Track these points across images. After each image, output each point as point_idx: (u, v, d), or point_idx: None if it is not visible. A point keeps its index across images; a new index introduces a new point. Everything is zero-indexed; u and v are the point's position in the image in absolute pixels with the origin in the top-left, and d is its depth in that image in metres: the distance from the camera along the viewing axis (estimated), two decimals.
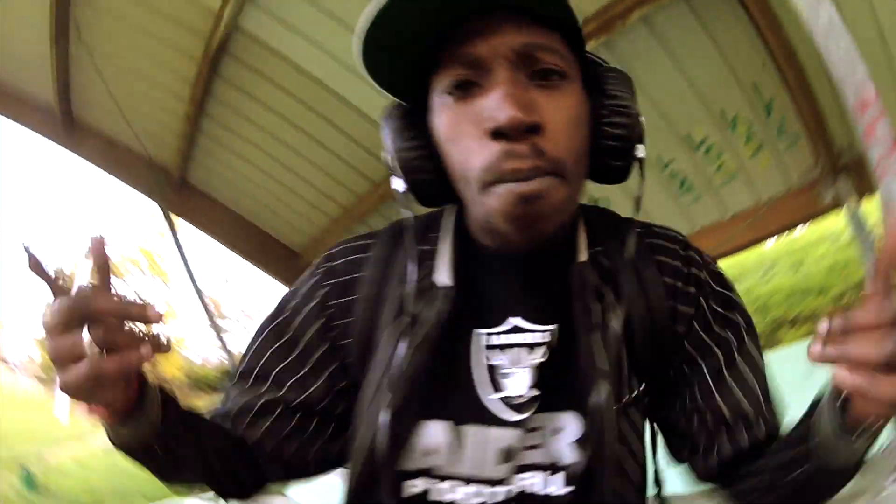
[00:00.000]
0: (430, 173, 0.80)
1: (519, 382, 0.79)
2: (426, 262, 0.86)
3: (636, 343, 0.83)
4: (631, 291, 0.84)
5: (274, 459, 0.89)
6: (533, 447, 0.79)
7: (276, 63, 4.69)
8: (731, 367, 0.85)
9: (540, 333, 0.81)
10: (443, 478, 0.79)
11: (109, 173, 6.52)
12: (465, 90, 0.74)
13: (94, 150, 6.37)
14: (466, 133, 0.74)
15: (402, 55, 0.76)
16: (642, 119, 0.81)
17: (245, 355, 0.92)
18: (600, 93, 0.81)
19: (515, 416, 0.79)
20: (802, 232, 9.33)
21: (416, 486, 0.79)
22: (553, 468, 0.79)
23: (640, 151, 0.81)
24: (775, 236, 4.71)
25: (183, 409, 0.81)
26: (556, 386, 0.80)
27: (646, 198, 3.05)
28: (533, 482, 0.78)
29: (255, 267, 6.96)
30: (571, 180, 0.76)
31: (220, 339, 7.06)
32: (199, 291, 7.34)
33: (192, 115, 5.29)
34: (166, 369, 41.90)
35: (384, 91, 0.80)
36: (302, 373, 0.88)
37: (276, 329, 0.91)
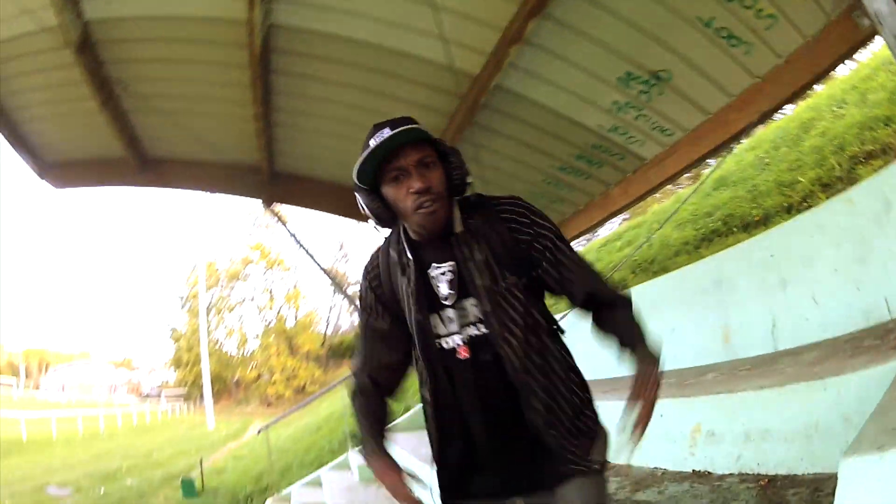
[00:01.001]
0: (387, 216, 1.75)
1: (444, 289, 1.73)
2: (401, 251, 1.78)
3: (502, 259, 1.71)
4: (490, 237, 1.73)
5: (397, 370, 1.91)
6: (464, 315, 1.72)
7: (319, 40, 4.87)
8: (558, 258, 1.75)
9: (446, 265, 1.73)
10: (445, 335, 1.74)
11: (204, 191, 6.87)
12: (398, 178, 1.66)
13: (181, 178, 6.71)
14: (402, 195, 1.67)
15: (371, 169, 1.66)
16: (466, 168, 1.75)
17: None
18: (447, 160, 1.73)
19: (449, 303, 1.73)
20: (861, 63, 9.15)
21: (440, 342, 1.74)
22: (476, 322, 1.71)
23: (469, 179, 1.75)
24: (831, 70, 4.67)
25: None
26: (462, 288, 1.71)
27: (702, 59, 4.46)
28: (472, 331, 1.72)
29: (365, 223, 7.26)
30: (444, 201, 1.70)
31: (355, 304, 7.55)
32: (320, 267, 7.78)
33: (260, 114, 5.52)
34: (308, 346, 44.54)
35: (360, 185, 1.71)
36: (381, 323, 1.88)
37: (361, 308, 1.94)
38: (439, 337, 1.73)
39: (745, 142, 8.45)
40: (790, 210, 6.74)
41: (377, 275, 1.86)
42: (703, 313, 5.22)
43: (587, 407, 1.79)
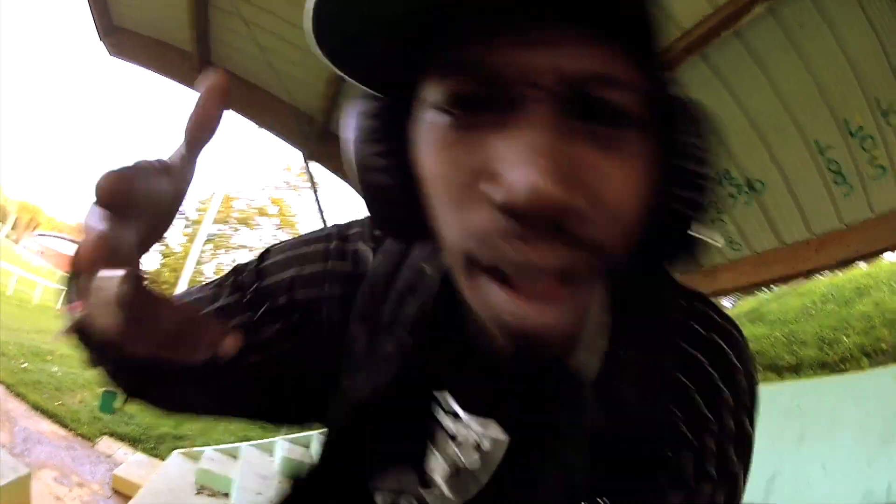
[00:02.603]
0: (400, 210, 0.57)
1: (440, 466, 0.67)
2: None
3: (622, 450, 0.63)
4: (631, 410, 0.63)
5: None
6: None
7: None
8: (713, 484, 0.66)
9: (475, 433, 0.65)
10: None
11: (251, 120, 6.64)
12: (473, 111, 0.49)
13: (235, 97, 6.39)
14: (460, 181, 0.49)
15: (372, 34, 0.50)
16: (711, 185, 0.56)
17: None
18: (669, 139, 0.53)
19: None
20: None
21: None
22: None
23: (705, 234, 0.56)
24: None
25: None
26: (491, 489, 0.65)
27: (802, 185, 3.79)
28: None
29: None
30: (607, 269, 0.51)
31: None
32: None
33: None
34: None
35: (350, 77, 0.55)
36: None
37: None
38: None
39: (794, 285, 8.30)
40: (824, 366, 6.53)
41: (344, 301, 0.74)
42: None
43: None
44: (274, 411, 0.80)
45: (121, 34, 6.34)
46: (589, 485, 0.62)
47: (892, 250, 4.61)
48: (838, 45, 3.54)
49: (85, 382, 13.20)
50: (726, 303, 13.28)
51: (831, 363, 6.53)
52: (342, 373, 0.71)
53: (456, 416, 0.66)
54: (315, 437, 7.57)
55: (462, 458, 0.65)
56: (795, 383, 4.92)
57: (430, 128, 0.51)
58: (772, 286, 5.61)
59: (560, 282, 0.47)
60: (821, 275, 6.34)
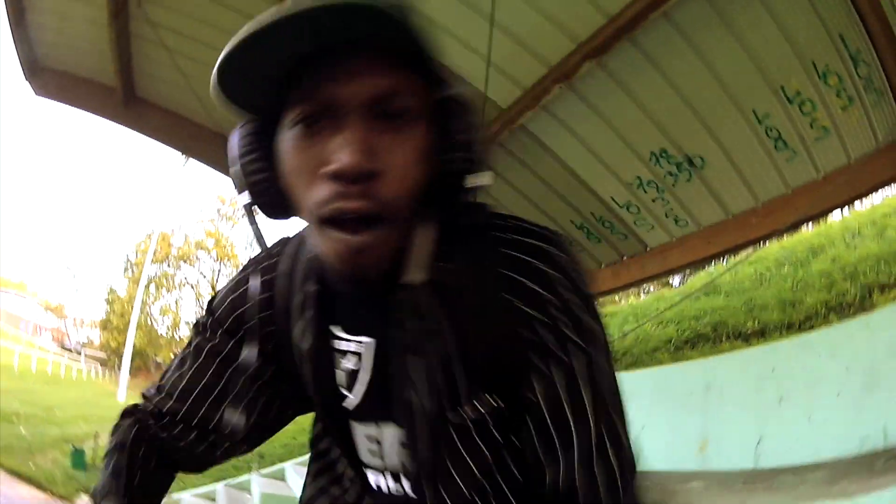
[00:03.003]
0: (273, 195, 0.83)
1: (344, 381, 0.92)
2: (307, 276, 0.95)
3: (476, 360, 0.83)
4: (471, 311, 0.83)
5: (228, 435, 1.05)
6: (379, 452, 0.92)
7: None
8: (571, 395, 0.82)
9: (354, 343, 0.90)
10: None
11: (180, 151, 6.51)
12: (313, 126, 0.75)
13: (159, 127, 6.36)
14: (308, 169, 0.76)
15: (256, 81, 0.77)
16: (478, 148, 0.82)
17: None
18: (442, 125, 0.81)
19: (357, 416, 0.93)
20: (883, 199, 9.32)
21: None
22: (395, 473, 0.92)
23: (477, 180, 0.82)
24: (865, 197, 4.69)
25: None
26: (381, 397, 0.88)
27: (742, 154, 3.88)
28: (384, 481, 0.94)
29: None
30: (402, 218, 0.78)
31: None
32: None
33: None
34: None
35: (233, 106, 0.80)
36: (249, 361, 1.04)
37: (214, 321, 1.11)
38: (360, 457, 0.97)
39: (744, 254, 8.46)
40: (790, 327, 6.62)
41: (269, 295, 1.00)
42: (682, 416, 4.96)
43: None
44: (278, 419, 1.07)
45: (46, 74, 6.20)
46: (470, 387, 0.83)
47: (842, 207, 4.67)
48: (769, 15, 3.61)
49: (53, 441, 12.86)
50: (676, 280, 13.47)
51: (797, 323, 6.63)
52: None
53: (339, 338, 0.91)
54: (288, 469, 7.50)
55: (347, 364, 0.90)
56: (765, 347, 4.95)
57: (287, 140, 0.78)
58: (723, 258, 5.66)
59: (368, 220, 0.73)
60: (771, 241, 6.40)
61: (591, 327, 0.84)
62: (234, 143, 0.84)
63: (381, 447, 0.92)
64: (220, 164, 6.40)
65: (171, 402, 1.01)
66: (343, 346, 0.91)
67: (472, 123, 0.82)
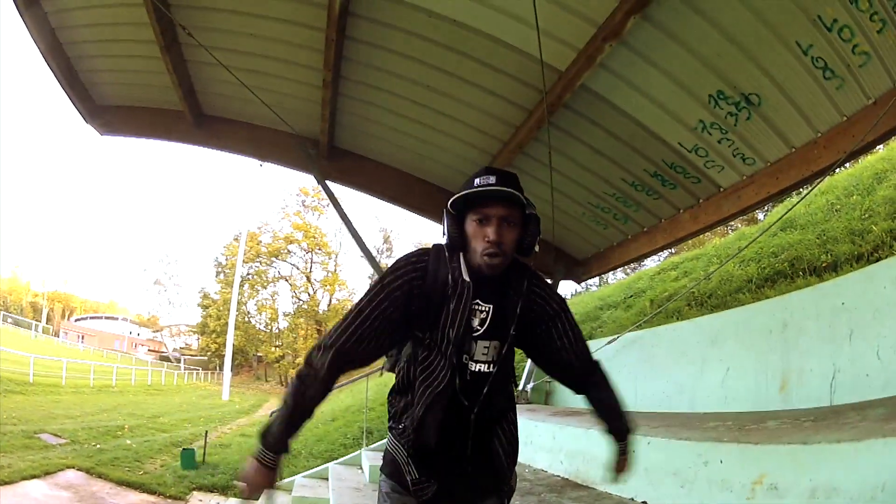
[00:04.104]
0: (458, 242, 1.93)
1: (477, 323, 1.93)
2: (457, 274, 1.91)
3: (519, 318, 1.94)
4: (519, 294, 1.96)
5: (364, 360, 2.01)
6: (481, 352, 1.95)
7: (405, 11, 4.76)
8: (565, 332, 2.07)
9: (486, 306, 1.94)
10: (469, 359, 1.95)
11: (257, 158, 6.80)
12: (482, 221, 1.88)
13: (235, 140, 6.64)
14: (478, 236, 1.89)
15: (463, 201, 1.92)
16: (538, 237, 1.98)
17: None
18: (526, 225, 1.95)
19: (476, 335, 1.94)
20: None
21: (467, 361, 1.94)
22: (487, 362, 1.96)
23: (536, 248, 1.97)
24: None
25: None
26: (489, 330, 1.94)
27: (794, 87, 4.30)
28: (478, 367, 1.95)
29: (417, 215, 7.29)
30: (509, 259, 1.93)
31: (377, 284, 7.58)
32: (368, 254, 7.60)
33: (329, 81, 5.41)
34: None
35: (449, 209, 1.93)
36: (394, 316, 1.95)
37: (383, 293, 1.98)
38: (468, 357, 1.94)
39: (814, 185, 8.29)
40: (860, 259, 6.58)
41: (422, 275, 1.95)
42: (764, 356, 5.00)
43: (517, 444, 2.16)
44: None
45: (107, 112, 6.56)
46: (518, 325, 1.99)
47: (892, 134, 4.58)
48: None
49: (161, 447, 13.45)
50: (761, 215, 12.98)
51: (865, 254, 6.57)
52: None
53: (478, 304, 1.94)
54: None
55: (482, 315, 1.94)
56: (835, 282, 4.86)
57: (470, 223, 1.92)
58: (795, 192, 5.62)
59: (498, 255, 1.88)
60: (836, 171, 6.32)
61: (565, 304, 2.09)
62: (445, 219, 1.94)
63: (488, 351, 1.95)
64: (299, 163, 6.72)
65: (344, 345, 1.90)
66: (479, 307, 1.94)
67: (537, 228, 1.97)
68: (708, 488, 3.57)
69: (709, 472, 3.62)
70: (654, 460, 3.99)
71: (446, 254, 1.96)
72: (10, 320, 46.56)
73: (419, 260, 1.97)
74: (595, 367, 2.18)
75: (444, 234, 1.95)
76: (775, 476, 3.29)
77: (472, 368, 1.93)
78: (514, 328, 1.94)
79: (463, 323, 1.88)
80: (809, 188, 5.15)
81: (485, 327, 1.93)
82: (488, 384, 1.94)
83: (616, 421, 2.15)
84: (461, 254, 1.94)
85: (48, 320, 59.01)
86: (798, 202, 5.85)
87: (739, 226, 14.76)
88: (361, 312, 1.90)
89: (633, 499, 4.15)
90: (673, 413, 5.61)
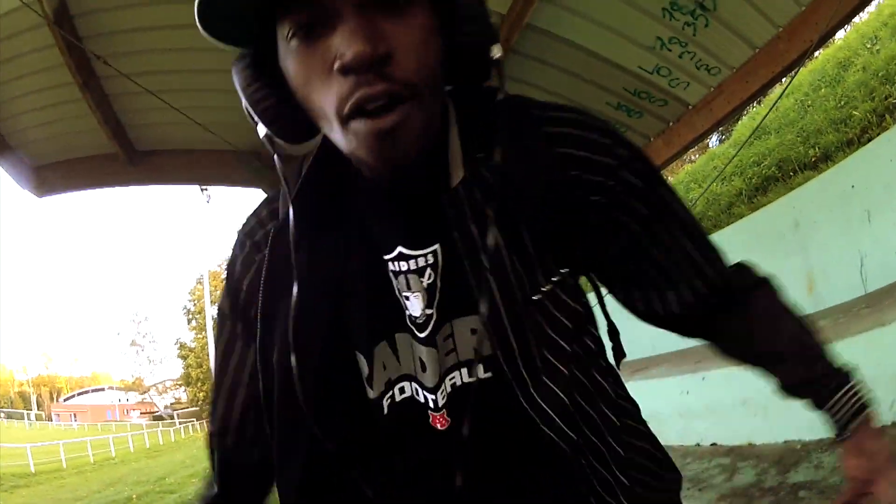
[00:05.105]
0: (288, 116, 0.82)
1: (415, 305, 0.87)
2: (319, 201, 0.92)
3: (544, 239, 0.85)
4: (526, 193, 0.85)
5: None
6: (450, 352, 0.87)
7: None
8: (655, 231, 0.92)
9: (422, 257, 0.87)
10: (391, 390, 0.90)
11: (201, 184, 6.49)
12: (311, 32, 0.74)
13: (174, 171, 6.33)
14: (316, 75, 0.75)
15: (238, 11, 0.75)
16: (488, 18, 0.83)
17: None
18: (449, 6, 0.80)
19: (422, 334, 0.87)
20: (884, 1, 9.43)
21: (380, 402, 0.90)
22: (470, 363, 0.86)
23: (496, 52, 0.82)
24: None
25: None
26: (454, 296, 0.86)
27: None
28: (457, 377, 0.87)
29: None
30: (427, 98, 0.77)
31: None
32: None
33: None
34: None
35: (226, 44, 0.80)
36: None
37: (224, 321, 1.10)
38: (382, 394, 0.90)
39: (777, 89, 8.34)
40: (850, 144, 6.48)
41: (251, 259, 0.99)
42: (783, 260, 4.88)
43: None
44: None
45: (41, 172, 6.18)
46: (541, 263, 0.85)
47: (860, 9, 4.52)
48: None
49: None
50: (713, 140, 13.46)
51: (854, 138, 6.49)
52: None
53: (402, 256, 0.87)
54: None
55: (424, 280, 0.87)
56: (837, 168, 4.81)
57: (288, 54, 0.77)
58: (762, 96, 5.52)
59: (393, 103, 0.72)
60: (805, 63, 6.26)
61: (644, 163, 0.93)
62: (235, 79, 0.83)
63: (448, 348, 0.87)
64: (244, 180, 6.39)
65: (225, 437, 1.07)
66: (406, 262, 0.87)
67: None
68: (782, 412, 3.39)
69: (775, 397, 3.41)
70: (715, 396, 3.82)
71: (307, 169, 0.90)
72: (2, 414, 46.19)
73: (247, 229, 1.01)
74: (761, 295, 0.98)
75: (253, 115, 0.83)
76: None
77: (402, 408, 0.89)
78: (536, 254, 0.84)
79: (364, 320, 0.89)
80: (784, 86, 5.01)
81: (433, 302, 0.87)
82: (494, 407, 0.84)
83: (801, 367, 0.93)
84: (324, 151, 0.90)
85: (38, 406, 58.76)
86: (780, 97, 5.76)
87: (694, 158, 15.10)
88: (220, 371, 1.05)
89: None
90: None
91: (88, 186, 6.49)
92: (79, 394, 62.46)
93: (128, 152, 5.94)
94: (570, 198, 0.86)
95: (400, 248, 0.87)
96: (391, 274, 0.88)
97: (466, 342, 0.86)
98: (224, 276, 1.05)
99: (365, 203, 0.90)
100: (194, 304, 49.32)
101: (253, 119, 0.84)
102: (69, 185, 6.37)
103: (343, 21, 0.71)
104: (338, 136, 0.77)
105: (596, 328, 0.96)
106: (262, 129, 0.83)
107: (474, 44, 0.80)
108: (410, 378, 0.89)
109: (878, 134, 5.77)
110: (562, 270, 0.87)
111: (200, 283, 46.12)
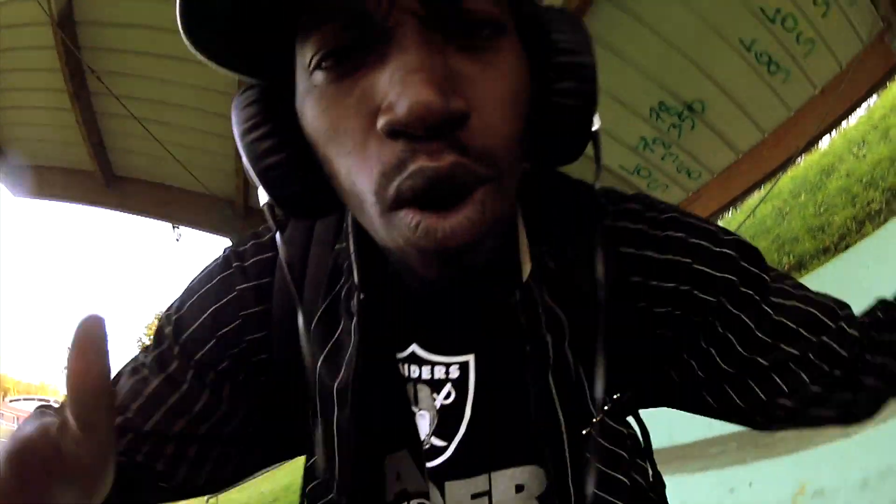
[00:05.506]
0: (301, 182, 0.54)
1: (422, 427, 0.63)
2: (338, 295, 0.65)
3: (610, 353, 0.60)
4: (594, 307, 0.60)
5: None
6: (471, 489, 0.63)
7: None
8: (762, 325, 0.64)
9: (442, 366, 0.63)
10: None
11: (171, 222, 6.40)
12: (346, 62, 0.47)
13: (147, 203, 6.22)
14: (348, 128, 0.48)
15: (241, 24, 0.50)
16: (593, 74, 0.54)
17: None
18: (543, 44, 0.54)
19: (435, 460, 0.62)
20: (875, 103, 9.15)
21: None
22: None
23: (596, 123, 0.55)
24: (866, 100, 4.50)
25: None
26: (492, 433, 0.62)
27: (739, 86, 3.78)
28: None
29: None
30: (507, 178, 0.51)
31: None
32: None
33: None
34: None
35: (217, 64, 0.53)
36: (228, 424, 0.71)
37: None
38: None
39: (756, 195, 8.43)
40: (826, 252, 6.43)
41: (265, 308, 0.68)
42: None
43: None
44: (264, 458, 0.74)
45: (20, 172, 6.05)
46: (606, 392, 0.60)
47: (846, 117, 4.73)
48: None
49: None
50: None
51: (831, 246, 6.44)
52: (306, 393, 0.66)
53: (419, 359, 0.63)
54: None
55: (439, 398, 0.63)
56: (808, 276, 4.76)
57: (312, 91, 0.49)
58: (741, 202, 5.57)
59: (459, 190, 0.46)
60: (786, 170, 6.37)
61: (747, 272, 0.65)
62: (234, 119, 0.55)
63: (474, 484, 0.63)
64: (213, 226, 6.24)
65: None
66: (427, 372, 0.63)
67: (582, 39, 0.54)
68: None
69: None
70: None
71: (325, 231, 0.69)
72: None
73: (254, 285, 0.68)
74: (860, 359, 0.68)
75: (252, 175, 0.54)
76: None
77: None
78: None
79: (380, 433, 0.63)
80: (763, 193, 5.07)
81: (459, 437, 0.62)
82: None
83: None
84: (349, 223, 0.64)
85: None
86: (759, 203, 5.81)
87: None
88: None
89: None
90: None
91: (61, 199, 6.40)
92: (24, 399, 61.10)
93: (105, 174, 5.87)
94: (643, 315, 0.66)
95: (414, 347, 0.64)
96: (403, 377, 0.64)
97: (508, 501, 0.62)
98: (194, 306, 0.72)
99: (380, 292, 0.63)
100: (150, 340, 49.12)
101: (249, 177, 0.55)
102: (45, 193, 6.29)
103: (398, 47, 0.45)
104: (374, 223, 0.51)
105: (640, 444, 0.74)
106: (262, 196, 0.55)
107: (575, 108, 0.54)
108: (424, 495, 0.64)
109: (857, 241, 5.80)
110: (617, 391, 0.66)
111: (158, 318, 45.94)
